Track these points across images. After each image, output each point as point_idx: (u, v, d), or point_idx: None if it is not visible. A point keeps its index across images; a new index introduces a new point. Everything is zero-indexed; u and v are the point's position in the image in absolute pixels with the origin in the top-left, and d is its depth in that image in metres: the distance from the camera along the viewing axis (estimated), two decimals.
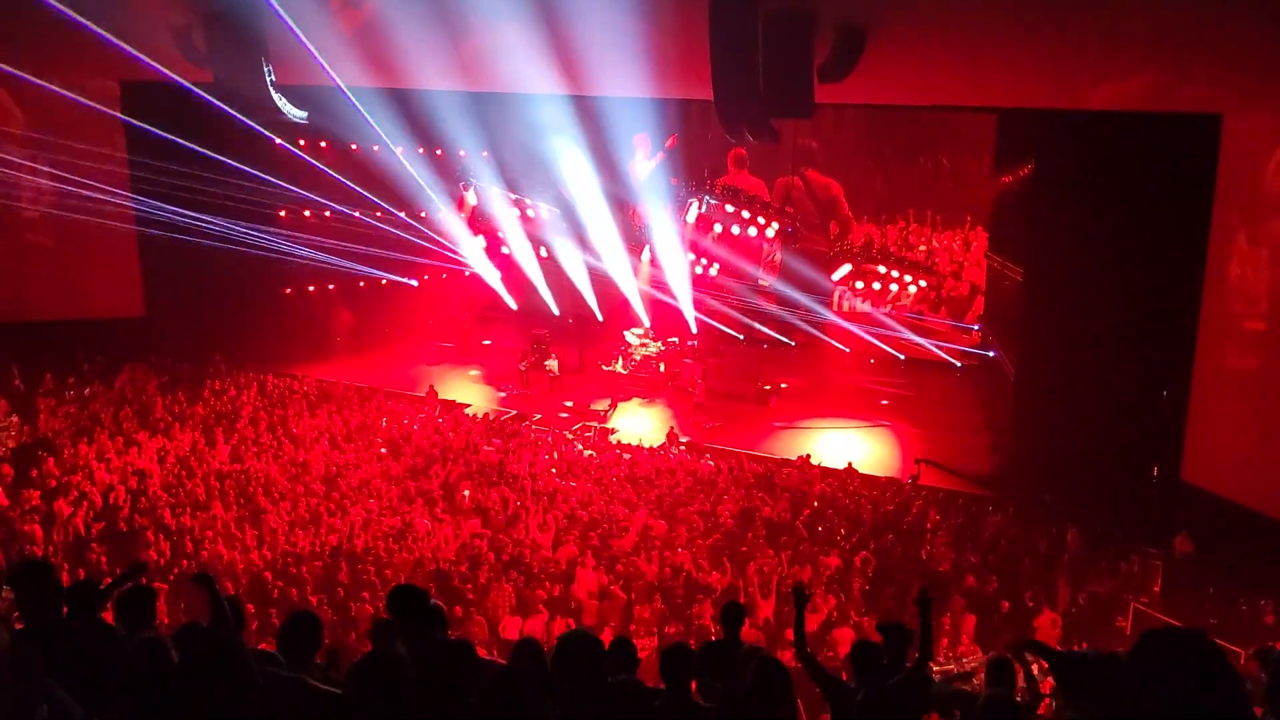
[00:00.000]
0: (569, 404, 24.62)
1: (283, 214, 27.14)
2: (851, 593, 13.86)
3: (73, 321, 23.37)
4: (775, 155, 28.83)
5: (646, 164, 29.62)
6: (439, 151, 30.16)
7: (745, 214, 25.84)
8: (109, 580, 6.14)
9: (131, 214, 24.60)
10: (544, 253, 30.10)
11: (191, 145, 24.98)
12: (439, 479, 17.86)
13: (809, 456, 20.09)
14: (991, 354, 25.81)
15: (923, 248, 29.19)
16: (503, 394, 25.93)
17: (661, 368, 27.22)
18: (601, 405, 24.46)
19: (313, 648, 4.89)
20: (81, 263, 23.71)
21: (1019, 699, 5.54)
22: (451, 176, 29.12)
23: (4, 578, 4.42)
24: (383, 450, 19.39)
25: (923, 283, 26.83)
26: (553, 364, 25.83)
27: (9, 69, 19.40)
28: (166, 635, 3.04)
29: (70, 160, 22.90)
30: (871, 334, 28.22)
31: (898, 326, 27.69)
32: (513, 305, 31.96)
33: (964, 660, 11.69)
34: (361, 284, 30.16)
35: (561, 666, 3.55)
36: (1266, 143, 15.52)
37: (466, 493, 17.25)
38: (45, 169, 22.76)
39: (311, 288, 28.89)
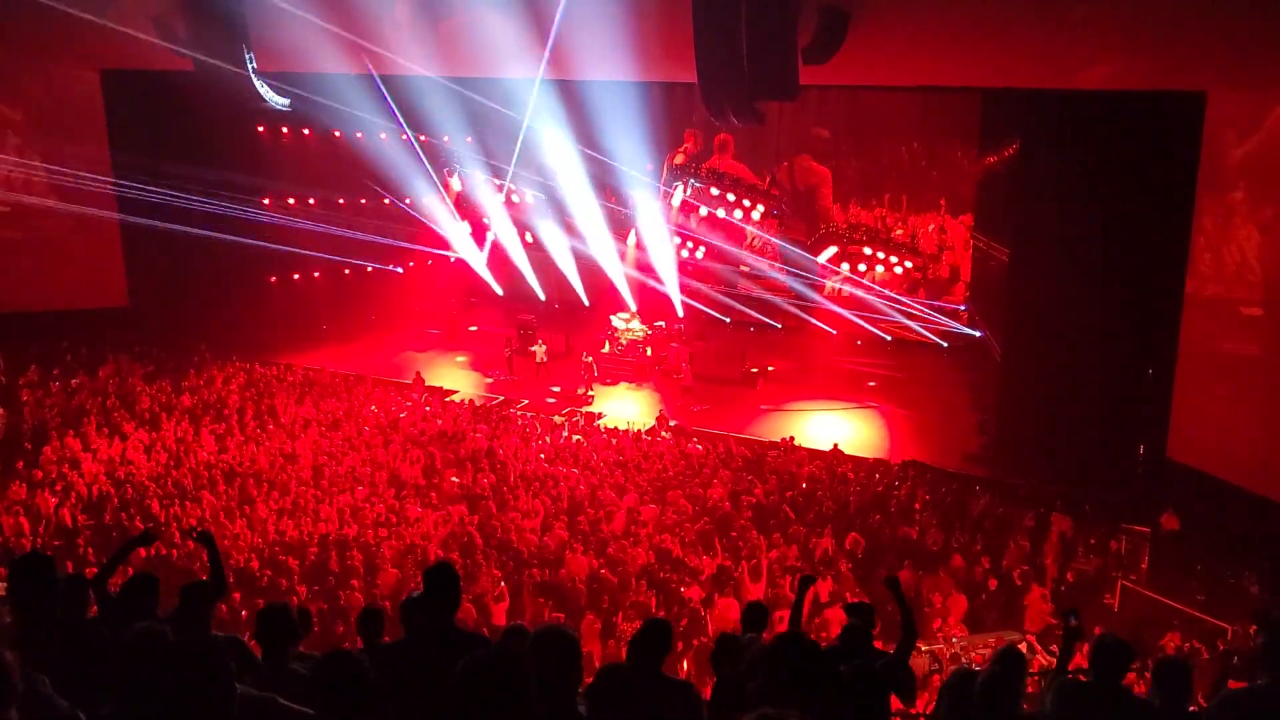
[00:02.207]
0: (556, 389, 24.60)
1: (266, 202, 26.99)
2: (841, 573, 13.90)
3: (56, 312, 23.21)
4: (762, 139, 28.75)
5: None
6: (423, 137, 30.02)
7: (730, 197, 25.80)
8: (102, 560, 6.07)
9: (114, 203, 24.46)
10: (530, 238, 30.02)
11: (173, 134, 24.95)
12: (426, 465, 17.84)
13: (793, 439, 20.14)
14: (978, 334, 25.90)
15: (898, 231, 29.12)
16: (490, 380, 25.89)
17: (648, 352, 27.21)
18: (577, 392, 24.45)
19: (289, 639, 4.83)
20: (63, 252, 23.52)
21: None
22: (436, 162, 28.97)
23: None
24: (367, 434, 19.34)
25: (909, 263, 26.85)
26: (540, 350, 25.76)
27: None
28: (163, 625, 3.01)
29: (51, 149, 22.76)
30: (858, 316, 28.29)
31: (886, 308, 27.74)
32: (499, 291, 31.90)
33: (954, 640, 11.75)
34: (347, 271, 30.04)
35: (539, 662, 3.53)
36: (1250, 121, 15.56)
37: (455, 479, 17.24)
38: (25, 158, 22.54)
39: (297, 276, 28.75)
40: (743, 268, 31.29)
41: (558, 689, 2.57)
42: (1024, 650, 11.06)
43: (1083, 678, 5.02)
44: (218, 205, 24.81)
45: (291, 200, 27.82)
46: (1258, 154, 15.43)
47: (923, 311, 28.09)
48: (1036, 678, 8.96)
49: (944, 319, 27.89)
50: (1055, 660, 10.86)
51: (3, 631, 3.52)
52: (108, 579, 5.44)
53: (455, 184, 28.81)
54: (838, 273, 28.30)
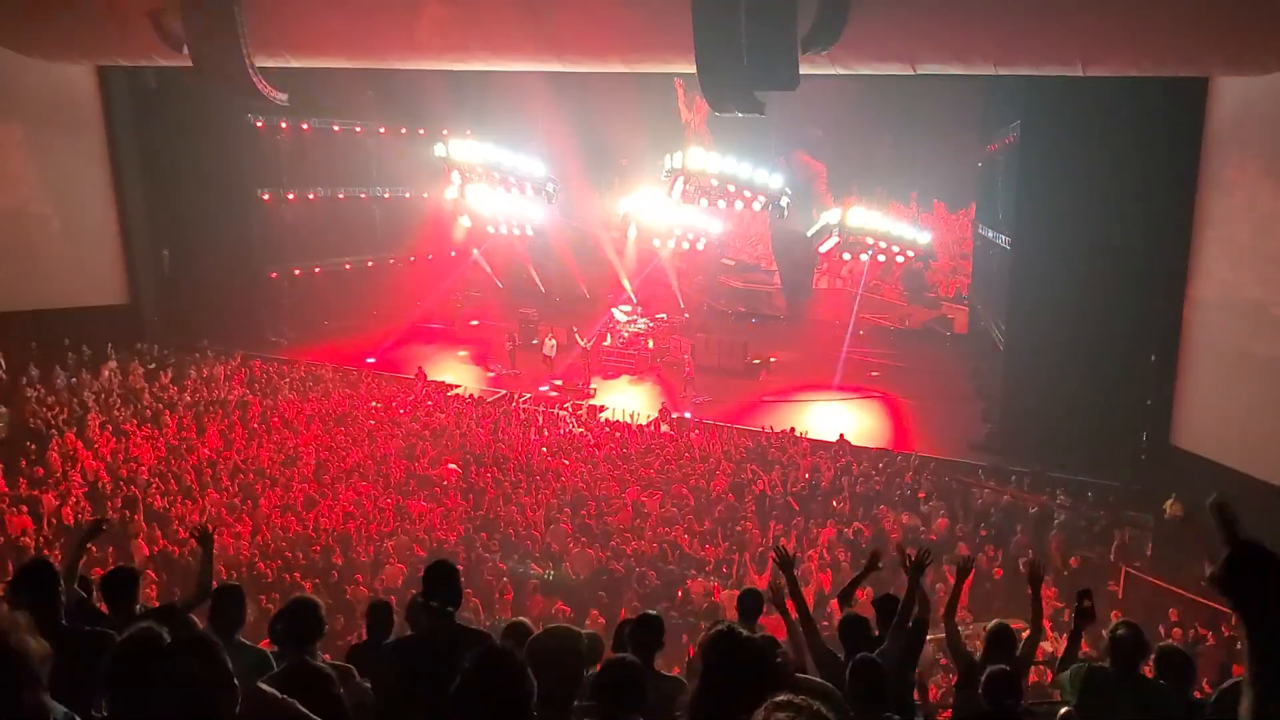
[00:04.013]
0: (558, 382, 24.56)
1: (266, 197, 26.94)
2: (840, 563, 13.90)
3: (56, 310, 23.11)
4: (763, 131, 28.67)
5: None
6: (422, 131, 29.99)
7: (731, 188, 25.68)
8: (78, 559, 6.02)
9: (113, 200, 24.44)
10: (530, 231, 29.96)
11: (171, 130, 24.92)
12: (428, 460, 17.83)
13: (794, 429, 20.12)
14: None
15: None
16: (491, 374, 25.84)
17: (650, 344, 27.17)
18: (579, 385, 24.40)
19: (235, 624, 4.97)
20: (62, 251, 23.45)
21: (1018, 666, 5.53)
22: (435, 156, 28.90)
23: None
24: (369, 429, 19.33)
25: (910, 252, 26.78)
26: (550, 344, 25.59)
27: None
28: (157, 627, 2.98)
29: (49, 146, 22.69)
30: (859, 306, 28.30)
31: (889, 298, 27.70)
32: (499, 285, 31.89)
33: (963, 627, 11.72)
34: (348, 266, 30.00)
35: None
36: (1253, 106, 15.48)
37: (457, 473, 17.22)
38: (22, 156, 22.44)
39: (297, 271, 28.71)
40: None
41: (557, 697, 2.53)
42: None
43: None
44: (217, 201, 24.83)
45: (291, 195, 27.76)
46: (1261, 140, 15.35)
47: (926, 301, 28.11)
48: (1042, 666, 8.94)
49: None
50: (1060, 647, 10.87)
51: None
52: (72, 577, 5.43)
53: (455, 177, 28.73)
54: (840, 263, 28.28)
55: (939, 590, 13.15)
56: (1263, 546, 1.76)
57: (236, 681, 2.52)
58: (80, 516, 14.86)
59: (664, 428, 20.78)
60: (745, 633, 2.70)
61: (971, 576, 13.15)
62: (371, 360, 25.64)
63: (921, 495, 16.80)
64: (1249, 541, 1.78)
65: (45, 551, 13.12)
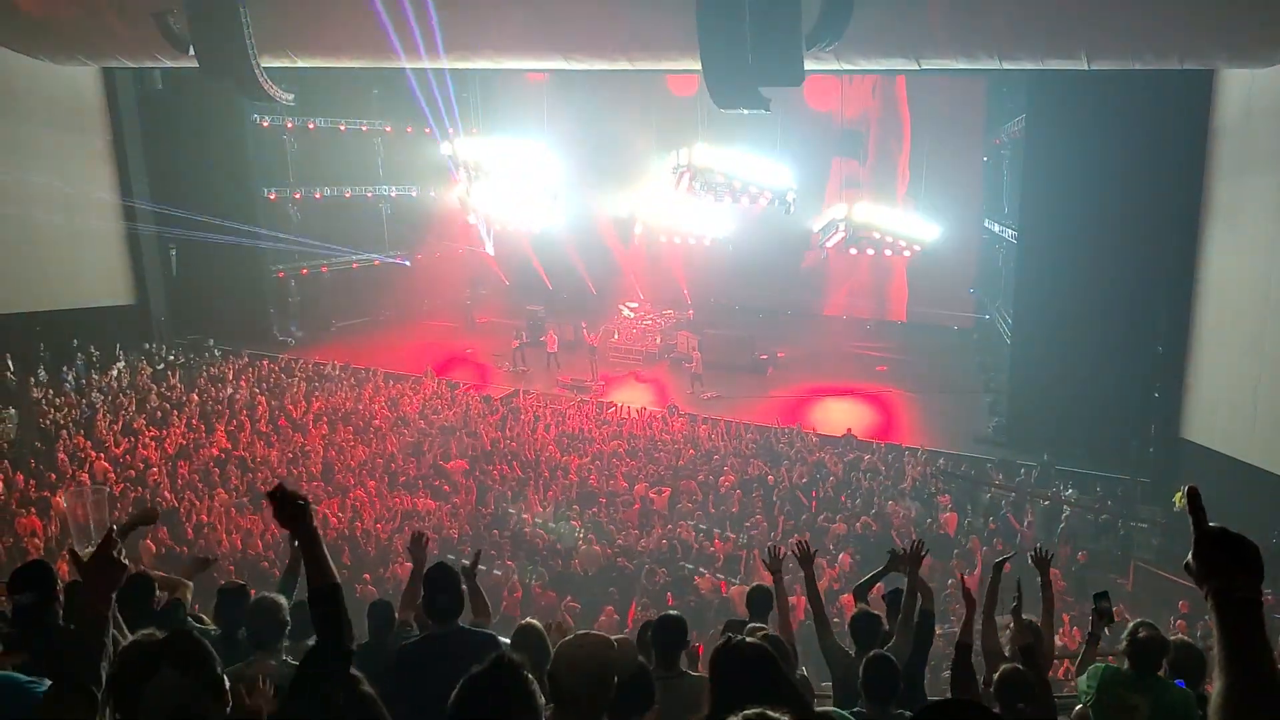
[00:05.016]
0: (566, 379, 24.56)
1: (272, 196, 26.97)
2: (852, 560, 13.88)
3: (62, 311, 23.16)
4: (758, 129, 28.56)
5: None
6: (428, 129, 29.99)
7: (737, 184, 25.63)
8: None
9: (118, 200, 24.48)
10: (537, 229, 29.95)
11: (177, 130, 24.96)
12: (436, 457, 17.85)
13: (801, 424, 20.10)
14: (985, 316, 25.79)
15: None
16: (499, 371, 25.84)
17: (658, 340, 27.16)
18: (587, 382, 24.40)
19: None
20: (67, 251, 23.46)
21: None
22: (442, 154, 28.93)
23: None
24: (377, 427, 19.35)
25: (917, 246, 26.71)
26: (558, 341, 25.56)
27: None
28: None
29: (52, 147, 22.72)
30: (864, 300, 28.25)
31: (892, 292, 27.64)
32: (506, 282, 31.88)
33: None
34: (354, 265, 30.02)
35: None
36: (1259, 96, 15.41)
37: (466, 470, 17.24)
38: (26, 157, 22.46)
39: (304, 270, 28.75)
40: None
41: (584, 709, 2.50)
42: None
43: (1111, 659, 5.03)
44: (223, 200, 24.87)
45: (297, 194, 27.80)
46: (1268, 130, 15.29)
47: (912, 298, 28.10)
48: (1054, 660, 8.93)
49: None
50: (1070, 641, 10.85)
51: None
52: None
53: (462, 175, 28.75)
54: (843, 259, 28.21)
55: (948, 586, 13.17)
56: (1228, 531, 1.83)
57: (228, 686, 2.53)
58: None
59: (673, 424, 20.76)
60: (751, 641, 2.70)
61: (979, 570, 13.16)
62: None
63: (931, 489, 16.78)
64: (1215, 527, 1.85)
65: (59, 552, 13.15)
